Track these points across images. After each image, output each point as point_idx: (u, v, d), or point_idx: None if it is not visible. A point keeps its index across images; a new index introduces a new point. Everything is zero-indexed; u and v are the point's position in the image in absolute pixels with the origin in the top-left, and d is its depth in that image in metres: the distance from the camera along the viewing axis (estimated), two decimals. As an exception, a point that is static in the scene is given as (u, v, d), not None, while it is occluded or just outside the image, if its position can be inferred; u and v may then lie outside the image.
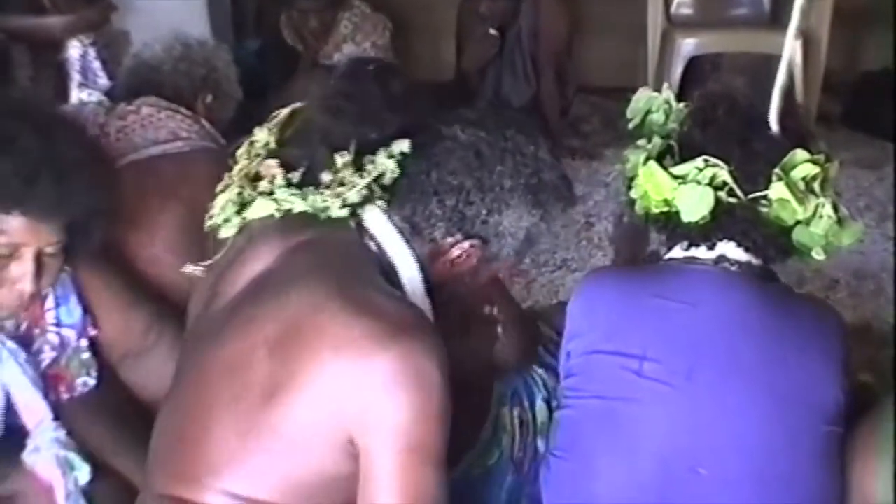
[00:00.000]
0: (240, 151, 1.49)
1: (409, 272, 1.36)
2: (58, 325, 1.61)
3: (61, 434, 1.51)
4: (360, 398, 1.16)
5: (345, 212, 1.36)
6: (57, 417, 1.54)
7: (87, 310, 1.65)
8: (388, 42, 4.01)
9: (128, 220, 1.92)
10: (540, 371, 1.74)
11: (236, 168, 1.48)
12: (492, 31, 3.92)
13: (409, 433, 1.16)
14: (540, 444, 1.66)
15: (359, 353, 1.16)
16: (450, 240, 1.37)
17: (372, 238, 1.36)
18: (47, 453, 1.49)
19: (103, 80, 2.82)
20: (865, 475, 1.39)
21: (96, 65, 2.81)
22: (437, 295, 1.39)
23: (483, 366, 1.61)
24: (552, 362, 1.75)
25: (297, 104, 1.53)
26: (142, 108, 2.11)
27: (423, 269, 1.37)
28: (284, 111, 1.52)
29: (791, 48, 1.57)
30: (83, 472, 1.51)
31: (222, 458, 1.23)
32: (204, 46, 2.40)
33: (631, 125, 1.61)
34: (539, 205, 1.38)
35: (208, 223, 1.48)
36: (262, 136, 1.49)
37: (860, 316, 2.74)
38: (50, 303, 1.59)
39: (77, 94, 2.74)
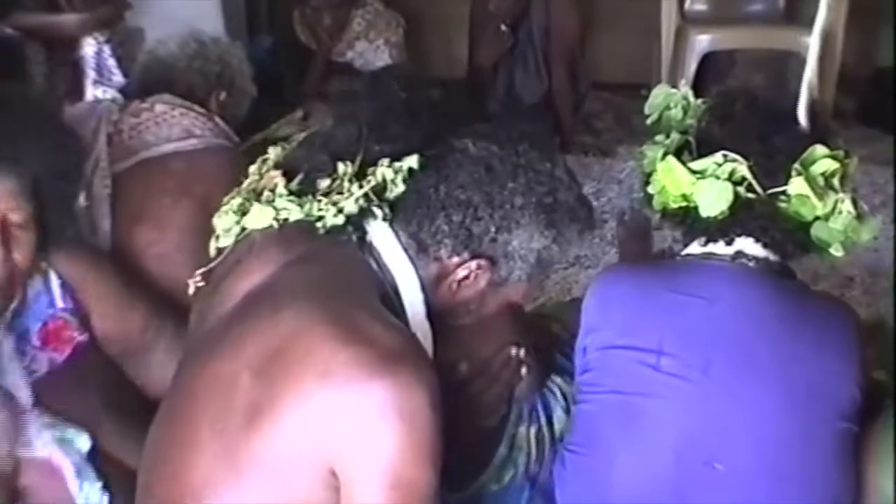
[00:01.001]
0: (252, 168, 1.45)
1: (411, 294, 1.30)
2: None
3: (46, 418, 1.50)
4: (344, 429, 1.09)
5: (340, 219, 1.29)
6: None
7: (79, 310, 1.61)
8: (402, 39, 4.02)
9: (139, 217, 1.93)
10: (558, 380, 1.72)
11: (245, 182, 1.43)
12: (503, 28, 3.92)
13: (395, 469, 1.09)
14: None
15: (346, 380, 1.09)
16: (455, 259, 1.29)
17: (374, 255, 1.30)
18: (41, 441, 1.48)
19: (118, 78, 2.82)
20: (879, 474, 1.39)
21: (111, 62, 2.81)
22: (451, 319, 1.35)
23: (499, 395, 1.57)
24: (568, 366, 1.74)
25: (315, 129, 1.47)
26: (156, 105, 2.12)
27: (424, 291, 1.30)
28: (302, 135, 1.47)
29: (816, 46, 1.56)
30: (83, 441, 1.50)
31: (204, 481, 1.16)
32: (218, 44, 2.41)
33: (648, 121, 1.61)
34: (552, 225, 1.29)
35: (212, 244, 1.43)
36: (276, 154, 1.45)
37: (874, 313, 2.73)
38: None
39: (92, 92, 2.75)
